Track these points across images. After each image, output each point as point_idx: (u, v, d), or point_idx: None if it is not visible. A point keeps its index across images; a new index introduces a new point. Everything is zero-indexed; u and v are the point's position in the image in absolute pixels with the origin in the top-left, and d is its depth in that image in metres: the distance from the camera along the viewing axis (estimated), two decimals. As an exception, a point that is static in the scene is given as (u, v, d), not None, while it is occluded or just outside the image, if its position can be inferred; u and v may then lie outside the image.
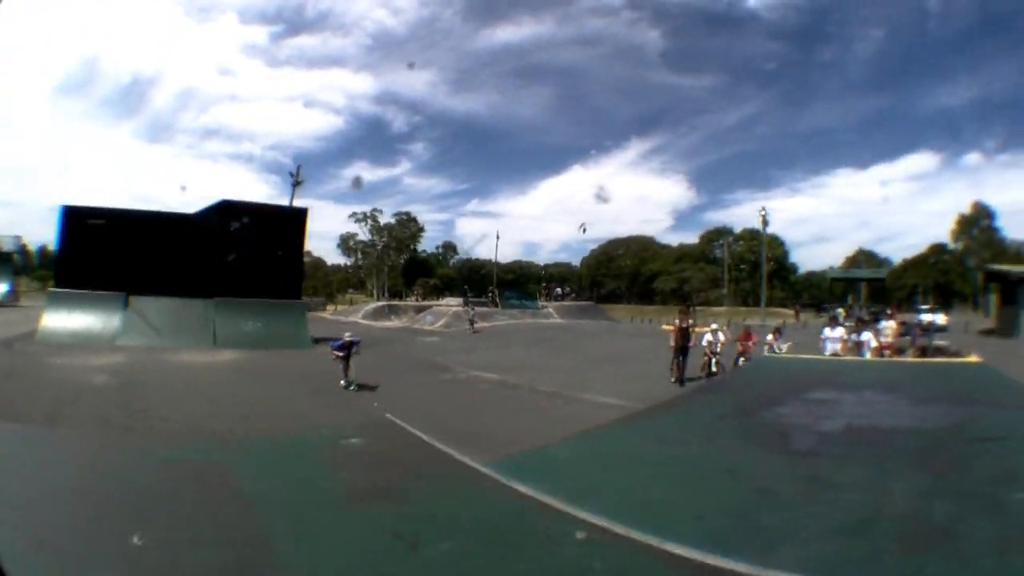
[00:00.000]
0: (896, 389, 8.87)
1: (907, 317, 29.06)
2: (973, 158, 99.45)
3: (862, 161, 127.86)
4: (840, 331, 16.59)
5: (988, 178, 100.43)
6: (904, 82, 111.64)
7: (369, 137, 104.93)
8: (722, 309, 56.57)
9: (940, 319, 30.62)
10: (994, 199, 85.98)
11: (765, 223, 48.84)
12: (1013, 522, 3.49)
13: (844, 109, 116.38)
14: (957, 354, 19.07)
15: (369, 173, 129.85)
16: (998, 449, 5.32)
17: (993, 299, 34.58)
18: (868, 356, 15.69)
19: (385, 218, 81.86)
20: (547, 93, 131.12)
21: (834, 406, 7.71)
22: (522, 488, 4.05)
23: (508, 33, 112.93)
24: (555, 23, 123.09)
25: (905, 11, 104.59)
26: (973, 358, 19.96)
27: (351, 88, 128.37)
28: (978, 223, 65.21)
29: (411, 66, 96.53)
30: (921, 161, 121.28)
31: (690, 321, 16.66)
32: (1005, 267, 32.85)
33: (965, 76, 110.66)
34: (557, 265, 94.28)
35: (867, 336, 16.40)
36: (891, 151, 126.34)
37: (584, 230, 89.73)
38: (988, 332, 30.86)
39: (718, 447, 6.12)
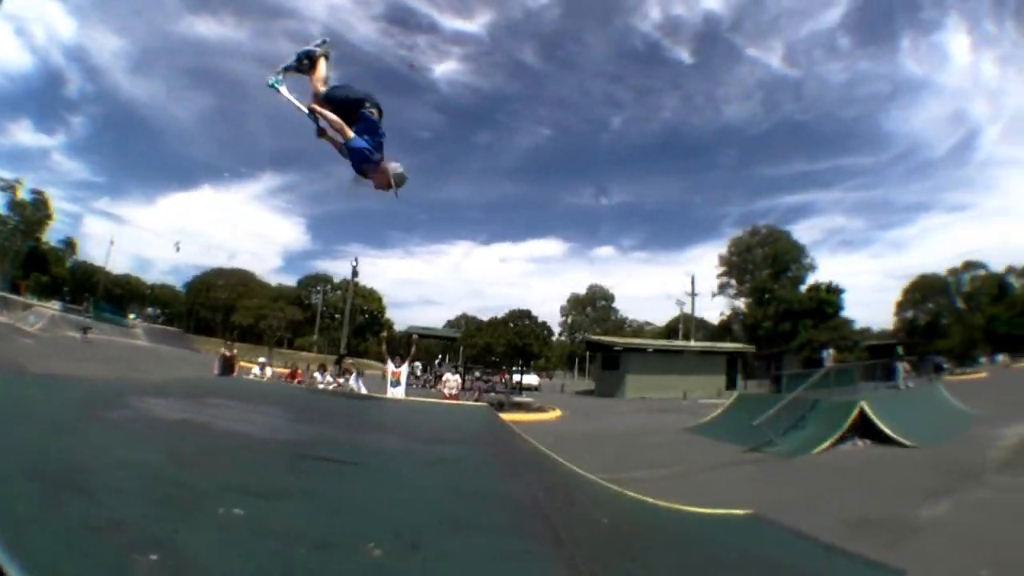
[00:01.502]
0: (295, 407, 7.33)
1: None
2: (605, 251, 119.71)
3: (486, 238, 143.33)
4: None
5: (618, 268, 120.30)
6: (554, 178, 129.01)
7: (45, 91, 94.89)
8: (311, 355, 59.90)
9: (532, 379, 32.62)
10: (622, 288, 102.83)
11: (355, 273, 51.82)
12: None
13: (483, 189, 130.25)
14: (540, 409, 21.04)
15: (29, 136, 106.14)
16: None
17: (596, 366, 38.65)
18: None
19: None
20: (209, 102, 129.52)
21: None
22: None
23: (208, 27, 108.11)
24: (252, 33, 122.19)
25: (582, 121, 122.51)
26: (556, 412, 20.76)
27: (56, 26, 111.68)
28: (594, 303, 76.63)
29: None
30: (548, 246, 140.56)
31: (234, 351, 20.02)
32: (606, 339, 37.20)
33: (619, 184, 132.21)
34: (164, 286, 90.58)
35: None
36: (521, 234, 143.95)
37: (178, 249, 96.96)
38: (588, 392, 34.19)
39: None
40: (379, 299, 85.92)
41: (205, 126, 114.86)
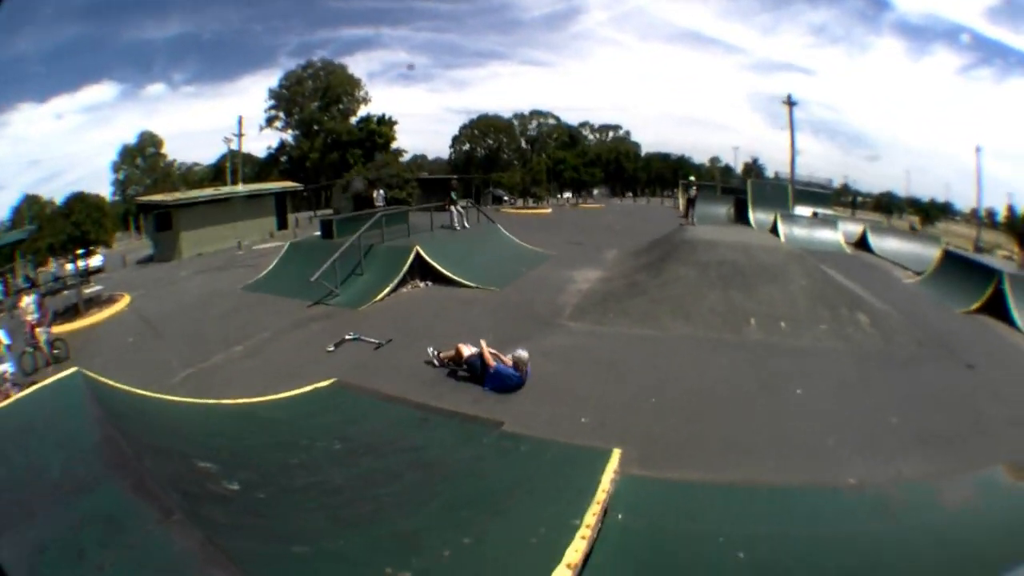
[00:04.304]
0: None
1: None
2: (156, 89, 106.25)
3: (42, 94, 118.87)
4: None
5: (168, 107, 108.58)
6: (109, 13, 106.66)
7: None
8: None
9: (97, 260, 29.77)
10: (172, 127, 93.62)
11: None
12: None
13: (43, 37, 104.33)
14: (110, 300, 19.87)
15: None
16: None
17: (150, 227, 35.53)
18: None
19: None
20: None
21: None
22: None
23: None
24: None
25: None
26: (124, 300, 19.78)
27: None
28: (144, 151, 69.61)
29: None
30: (101, 91, 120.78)
31: None
32: (156, 198, 35.05)
33: (179, 14, 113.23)
34: None
35: None
36: (74, 82, 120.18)
37: None
38: (148, 260, 32.48)
39: None
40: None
41: None
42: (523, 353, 10.22)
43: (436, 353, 11.43)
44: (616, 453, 6.73)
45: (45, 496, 4.71)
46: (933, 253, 23.86)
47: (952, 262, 21.24)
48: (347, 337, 13.13)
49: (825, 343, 12.42)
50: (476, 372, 10.46)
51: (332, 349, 12.64)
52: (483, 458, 7.46)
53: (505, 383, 10.13)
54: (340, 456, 7.33)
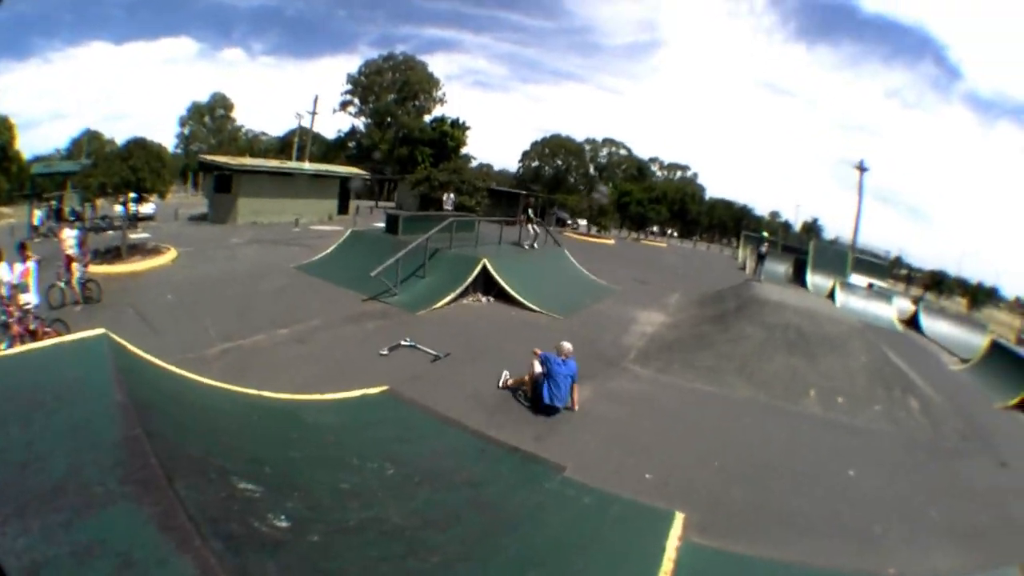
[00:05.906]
0: None
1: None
2: (233, 54, 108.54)
3: (120, 37, 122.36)
4: None
5: (245, 73, 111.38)
6: None
7: None
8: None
9: (149, 207, 29.68)
10: (244, 95, 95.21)
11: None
12: None
13: None
14: (155, 251, 19.83)
15: None
16: None
17: (208, 186, 36.25)
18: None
19: None
20: None
21: None
22: None
23: None
24: None
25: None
26: (172, 254, 19.34)
27: None
28: (214, 112, 70.54)
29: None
30: (179, 45, 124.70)
31: None
32: (220, 159, 35.13)
33: None
34: None
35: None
36: (153, 31, 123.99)
37: None
38: (202, 217, 32.86)
39: None
40: (10, 127, 66.09)
41: None
42: (566, 344, 10.25)
43: (507, 379, 10.79)
44: (679, 517, 6.70)
45: (43, 497, 3.56)
46: (980, 340, 24.72)
47: (998, 353, 21.48)
48: (403, 343, 12.20)
49: (877, 424, 12.48)
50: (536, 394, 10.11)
51: (386, 353, 11.70)
52: (545, 507, 7.08)
53: (558, 390, 9.88)
54: (395, 483, 6.72)
